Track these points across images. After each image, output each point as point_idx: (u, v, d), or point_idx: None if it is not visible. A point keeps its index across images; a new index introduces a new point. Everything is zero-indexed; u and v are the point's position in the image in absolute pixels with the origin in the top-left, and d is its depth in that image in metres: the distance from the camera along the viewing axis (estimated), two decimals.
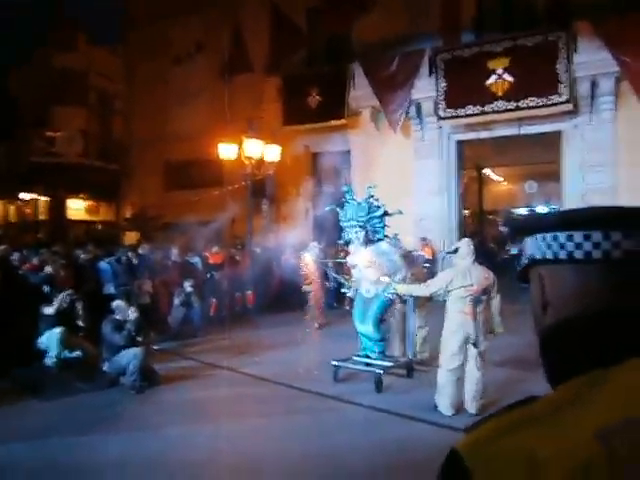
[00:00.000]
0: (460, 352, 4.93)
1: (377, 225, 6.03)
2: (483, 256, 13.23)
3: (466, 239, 5.33)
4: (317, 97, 14.30)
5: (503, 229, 19.13)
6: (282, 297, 11.15)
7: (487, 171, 18.91)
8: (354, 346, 6.37)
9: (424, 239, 12.33)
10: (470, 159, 15.06)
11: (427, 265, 12.14)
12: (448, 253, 5.44)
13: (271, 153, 12.33)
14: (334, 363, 6.12)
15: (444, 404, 5.01)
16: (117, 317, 6.14)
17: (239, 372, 6.75)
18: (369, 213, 5.96)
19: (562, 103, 11.56)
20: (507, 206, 19.22)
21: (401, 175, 13.31)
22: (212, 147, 11.81)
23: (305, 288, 9.58)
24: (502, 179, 20.54)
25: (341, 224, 6.15)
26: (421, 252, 12.28)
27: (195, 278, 9.54)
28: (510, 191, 20.33)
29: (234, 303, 10.67)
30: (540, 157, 14.35)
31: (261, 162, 11.90)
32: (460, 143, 13.68)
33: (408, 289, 5.50)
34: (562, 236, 0.74)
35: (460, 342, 4.92)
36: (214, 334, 9.06)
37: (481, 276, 5.00)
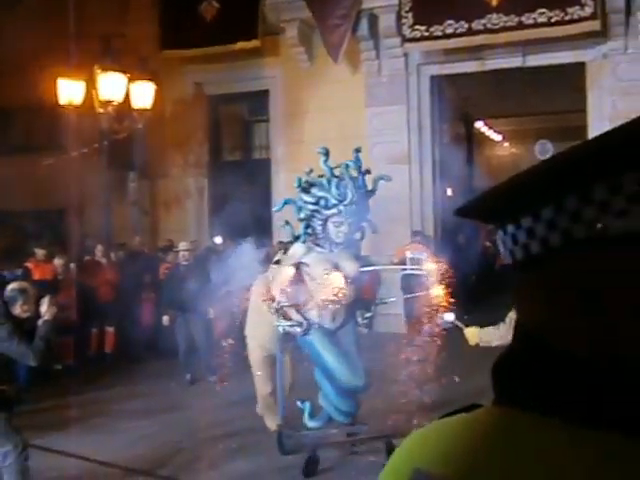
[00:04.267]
0: None
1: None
2: (475, 263, 13.03)
3: None
4: (215, 4, 14.34)
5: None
6: (162, 335, 11.18)
7: (480, 125, 19.18)
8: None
9: (417, 234, 12.17)
10: (454, 106, 15.17)
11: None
12: None
13: (141, 96, 12.51)
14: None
15: None
16: None
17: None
18: (368, 191, 6.60)
19: (585, 19, 11.72)
20: None
21: (346, 132, 13.27)
22: (46, 85, 12.00)
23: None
24: (502, 138, 20.89)
25: (309, 213, 6.31)
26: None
27: None
28: (514, 157, 20.73)
29: (85, 346, 10.76)
30: (557, 103, 14.55)
31: (125, 110, 12.02)
32: (436, 80, 13.85)
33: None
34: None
35: None
36: (49, 398, 9.06)
37: None
